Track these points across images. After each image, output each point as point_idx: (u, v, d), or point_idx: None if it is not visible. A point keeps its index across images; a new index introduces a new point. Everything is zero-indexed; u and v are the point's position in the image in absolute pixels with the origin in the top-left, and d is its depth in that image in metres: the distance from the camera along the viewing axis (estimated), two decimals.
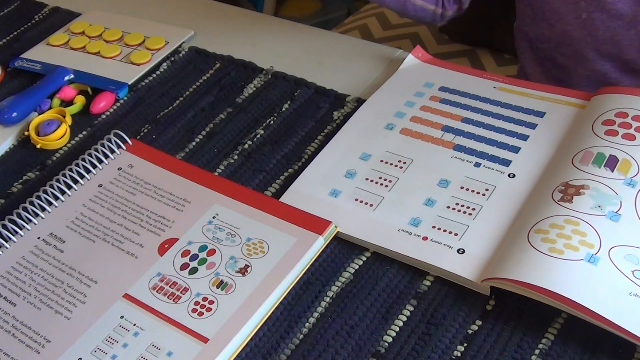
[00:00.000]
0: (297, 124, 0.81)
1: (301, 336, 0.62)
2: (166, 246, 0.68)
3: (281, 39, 0.94)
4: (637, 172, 0.66)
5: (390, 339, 0.61)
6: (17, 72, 0.93)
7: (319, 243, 0.67)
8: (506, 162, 0.71)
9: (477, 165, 0.72)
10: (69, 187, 0.75)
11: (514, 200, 0.67)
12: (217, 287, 0.64)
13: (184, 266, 0.66)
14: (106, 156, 0.77)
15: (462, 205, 0.68)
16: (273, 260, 0.65)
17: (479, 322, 0.61)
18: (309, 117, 0.82)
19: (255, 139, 0.80)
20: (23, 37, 0.99)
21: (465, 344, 0.59)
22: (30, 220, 0.72)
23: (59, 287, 0.66)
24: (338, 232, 0.68)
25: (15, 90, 0.89)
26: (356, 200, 0.70)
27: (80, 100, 0.88)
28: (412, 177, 0.71)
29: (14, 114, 0.84)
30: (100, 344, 0.62)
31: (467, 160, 0.72)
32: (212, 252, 0.67)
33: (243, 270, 0.65)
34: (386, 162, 0.73)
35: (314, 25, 0.98)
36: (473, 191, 0.69)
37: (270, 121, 0.82)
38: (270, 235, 0.67)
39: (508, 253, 0.62)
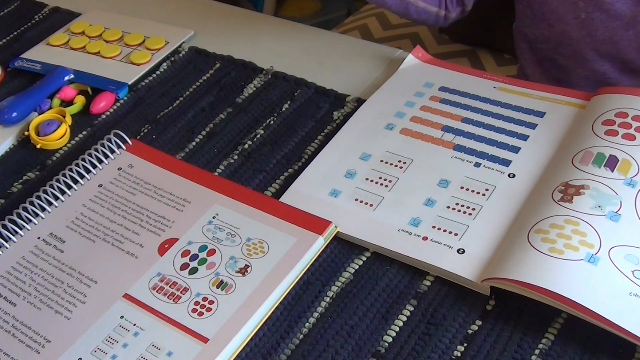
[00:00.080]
0: (297, 124, 0.81)
1: (301, 336, 0.62)
2: (166, 246, 0.68)
3: (281, 39, 0.94)
4: (637, 172, 0.66)
5: (390, 339, 0.61)
6: (17, 72, 0.93)
7: (319, 243, 0.66)
8: (506, 162, 0.71)
9: (477, 165, 0.72)
10: (69, 187, 0.75)
11: (514, 200, 0.67)
12: (217, 287, 0.64)
13: (184, 266, 0.66)
14: (106, 156, 0.77)
15: (462, 205, 0.68)
16: (273, 260, 0.65)
17: (479, 322, 0.61)
18: (309, 117, 0.81)
19: (255, 139, 0.80)
20: (23, 37, 0.99)
21: (465, 344, 0.59)
22: (30, 220, 0.72)
23: (59, 287, 0.66)
24: (338, 232, 0.68)
25: (15, 90, 0.89)
26: (356, 200, 0.70)
27: (80, 100, 0.88)
28: (412, 177, 0.71)
29: (14, 114, 0.84)
30: (100, 344, 0.62)
31: (467, 160, 0.72)
32: (212, 252, 0.67)
33: (243, 270, 0.65)
34: (386, 162, 0.73)
35: (314, 25, 0.98)
36: (473, 191, 0.69)
37: (270, 121, 0.82)
38: (270, 235, 0.67)
39: (508, 253, 0.62)
